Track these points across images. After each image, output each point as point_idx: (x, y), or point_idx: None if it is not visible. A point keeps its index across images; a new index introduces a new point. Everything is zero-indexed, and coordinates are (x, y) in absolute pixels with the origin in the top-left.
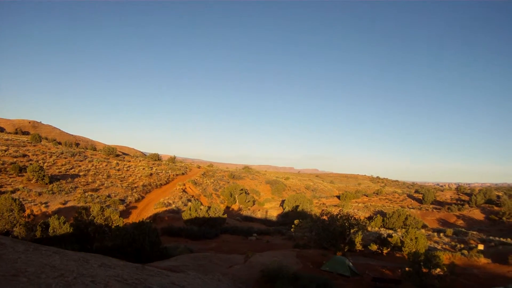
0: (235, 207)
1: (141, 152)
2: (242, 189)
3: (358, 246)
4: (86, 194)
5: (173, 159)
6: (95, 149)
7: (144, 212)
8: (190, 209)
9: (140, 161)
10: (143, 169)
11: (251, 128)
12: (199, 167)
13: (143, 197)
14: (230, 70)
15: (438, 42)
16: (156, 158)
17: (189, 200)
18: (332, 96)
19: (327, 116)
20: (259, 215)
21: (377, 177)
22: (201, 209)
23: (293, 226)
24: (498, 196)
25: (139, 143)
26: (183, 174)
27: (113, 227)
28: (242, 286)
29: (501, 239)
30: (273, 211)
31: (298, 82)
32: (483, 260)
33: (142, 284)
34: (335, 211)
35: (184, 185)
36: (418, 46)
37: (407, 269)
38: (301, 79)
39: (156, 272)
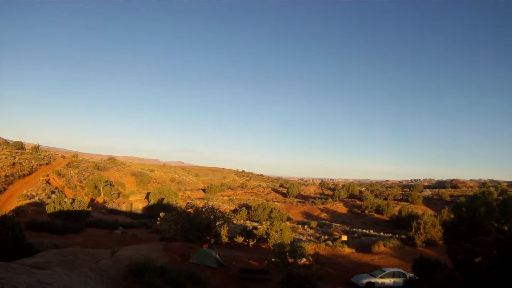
0: (100, 199)
1: (4, 139)
2: (107, 181)
3: (224, 239)
4: None
5: (37, 148)
6: None
7: (6, 205)
8: (54, 201)
9: (2, 149)
10: (6, 158)
11: (116, 119)
12: (63, 157)
13: (5, 189)
14: (98, 60)
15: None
16: (20, 146)
17: (53, 192)
18: (197, 89)
19: (193, 108)
20: (124, 207)
21: (242, 171)
22: (65, 201)
23: (158, 219)
24: (361, 191)
25: (1, 130)
26: (47, 164)
27: None
28: (110, 281)
29: (364, 230)
30: (138, 204)
31: (163, 74)
32: (347, 250)
33: (8, 283)
34: (200, 204)
35: (48, 176)
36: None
37: (273, 259)
38: (168, 72)
39: (22, 270)
